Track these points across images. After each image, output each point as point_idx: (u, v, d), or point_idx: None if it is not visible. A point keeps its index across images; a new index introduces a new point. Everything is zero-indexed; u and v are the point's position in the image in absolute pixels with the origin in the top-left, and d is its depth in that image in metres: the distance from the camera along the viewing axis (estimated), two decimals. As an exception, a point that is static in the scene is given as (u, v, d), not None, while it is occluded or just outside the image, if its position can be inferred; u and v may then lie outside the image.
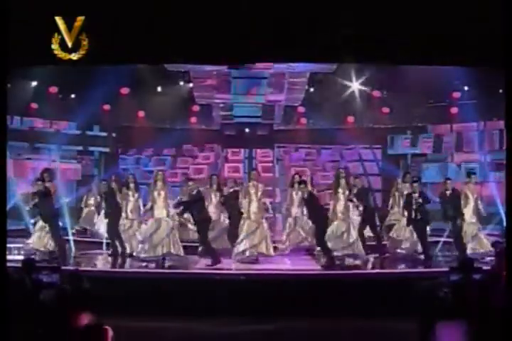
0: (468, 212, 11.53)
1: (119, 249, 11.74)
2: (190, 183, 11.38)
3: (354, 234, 11.26)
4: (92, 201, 14.81)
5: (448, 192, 11.51)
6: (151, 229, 11.13)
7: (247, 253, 11.04)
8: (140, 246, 11.29)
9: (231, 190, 12.25)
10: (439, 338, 5.02)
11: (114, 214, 11.82)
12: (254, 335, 8.19)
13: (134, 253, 11.41)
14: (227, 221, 12.29)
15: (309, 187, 11.74)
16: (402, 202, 12.18)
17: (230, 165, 17.76)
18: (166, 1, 8.83)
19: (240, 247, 11.10)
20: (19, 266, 6.76)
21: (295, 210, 12.51)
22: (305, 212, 11.95)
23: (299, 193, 12.18)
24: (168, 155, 17.88)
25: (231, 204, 11.91)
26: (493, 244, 10.15)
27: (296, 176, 12.68)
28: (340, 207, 11.32)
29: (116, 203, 11.90)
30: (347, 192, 11.37)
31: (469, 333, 4.94)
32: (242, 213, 11.31)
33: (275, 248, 11.63)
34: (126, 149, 17.86)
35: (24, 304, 5.31)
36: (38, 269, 7.08)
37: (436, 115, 16.74)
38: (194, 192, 11.08)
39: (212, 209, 12.34)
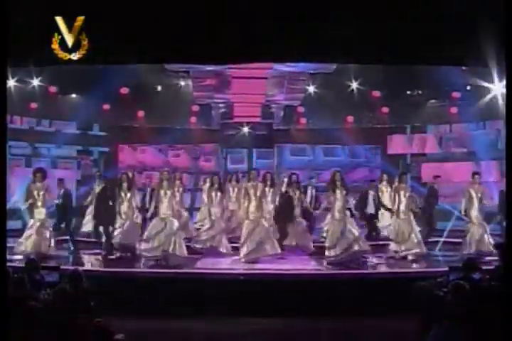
0: (473, 213, 11.47)
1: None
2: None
3: (355, 232, 11.21)
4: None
5: None
6: (155, 228, 11.08)
7: (251, 255, 11.03)
8: (143, 245, 11.24)
9: None
10: (438, 338, 5.02)
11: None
12: (254, 335, 8.20)
13: (137, 252, 11.38)
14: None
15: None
16: (397, 202, 12.05)
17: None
18: (166, 1, 8.83)
19: (242, 248, 11.10)
20: (19, 265, 6.76)
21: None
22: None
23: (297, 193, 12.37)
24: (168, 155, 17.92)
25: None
26: (495, 245, 10.12)
27: (294, 176, 12.72)
28: (337, 207, 11.29)
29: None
30: (344, 192, 11.33)
31: (469, 333, 4.94)
32: None
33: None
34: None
35: (24, 304, 5.30)
36: (38, 269, 7.09)
37: (436, 115, 16.74)
38: None
39: (213, 209, 12.31)
